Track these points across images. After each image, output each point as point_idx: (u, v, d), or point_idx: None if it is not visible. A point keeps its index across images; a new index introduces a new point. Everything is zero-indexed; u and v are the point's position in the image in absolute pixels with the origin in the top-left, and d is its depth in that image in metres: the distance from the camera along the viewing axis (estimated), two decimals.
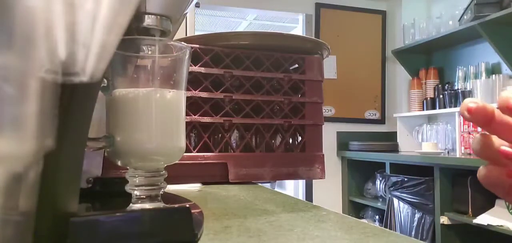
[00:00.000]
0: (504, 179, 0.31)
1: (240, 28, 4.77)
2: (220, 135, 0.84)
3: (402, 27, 3.50)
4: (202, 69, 0.81)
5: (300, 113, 0.88)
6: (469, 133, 2.79)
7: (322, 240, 0.43)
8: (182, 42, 0.46)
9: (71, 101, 0.30)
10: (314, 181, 3.08)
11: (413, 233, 2.67)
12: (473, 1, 2.67)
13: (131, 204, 0.43)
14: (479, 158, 0.31)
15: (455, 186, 2.49)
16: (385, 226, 2.88)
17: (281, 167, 0.85)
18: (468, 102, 0.30)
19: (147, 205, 0.42)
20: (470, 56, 3.08)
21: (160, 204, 0.43)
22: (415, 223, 2.68)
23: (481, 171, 0.32)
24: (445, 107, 3.07)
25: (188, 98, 0.76)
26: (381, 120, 3.77)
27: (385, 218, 2.97)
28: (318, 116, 0.89)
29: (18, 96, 0.20)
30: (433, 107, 3.23)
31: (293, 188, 3.78)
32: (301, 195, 3.60)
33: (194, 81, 0.80)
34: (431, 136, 3.20)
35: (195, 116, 0.80)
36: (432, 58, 3.49)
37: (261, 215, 0.55)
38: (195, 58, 0.80)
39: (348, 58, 3.65)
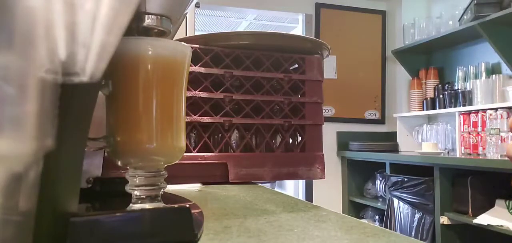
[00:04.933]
0: None
1: (240, 28, 4.77)
2: (220, 135, 0.84)
3: (402, 27, 3.50)
4: (202, 69, 0.81)
5: (300, 113, 0.88)
6: (469, 133, 2.79)
7: (322, 240, 0.43)
8: (182, 42, 0.45)
9: (71, 101, 0.30)
10: (314, 181, 3.08)
11: (413, 233, 2.67)
12: (473, 1, 2.67)
13: (131, 204, 0.43)
14: None
15: (455, 186, 2.48)
16: (385, 226, 2.88)
17: (281, 167, 0.85)
18: None
19: (147, 205, 0.42)
20: (470, 56, 3.08)
21: (160, 204, 0.43)
22: (415, 223, 2.68)
23: None
24: (445, 107, 3.07)
25: (188, 98, 0.76)
26: (381, 121, 3.77)
27: (385, 218, 2.97)
28: (318, 116, 0.88)
29: (18, 96, 0.20)
30: (433, 108, 3.23)
31: (293, 188, 3.78)
32: (301, 195, 3.60)
33: (194, 81, 0.80)
34: (431, 136, 3.20)
35: (195, 116, 0.80)
36: (432, 58, 3.49)
37: (261, 215, 0.55)
38: (195, 58, 0.80)
39: (348, 58, 3.65)
